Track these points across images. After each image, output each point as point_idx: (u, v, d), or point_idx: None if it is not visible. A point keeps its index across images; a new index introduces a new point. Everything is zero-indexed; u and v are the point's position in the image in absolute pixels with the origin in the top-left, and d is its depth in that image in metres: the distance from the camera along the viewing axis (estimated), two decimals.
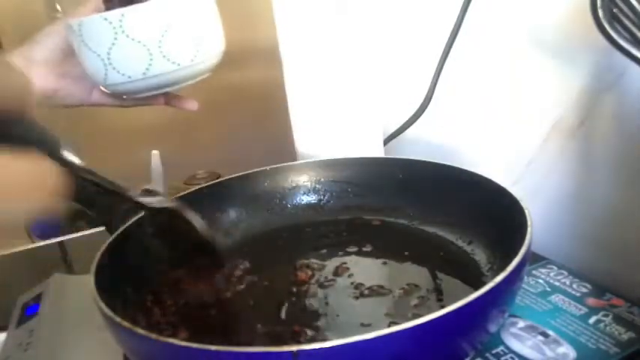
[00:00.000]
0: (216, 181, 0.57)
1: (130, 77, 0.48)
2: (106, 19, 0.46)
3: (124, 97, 0.55)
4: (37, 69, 0.52)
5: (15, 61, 0.52)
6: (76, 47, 0.49)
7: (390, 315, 0.39)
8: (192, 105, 0.60)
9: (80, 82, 0.54)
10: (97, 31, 0.47)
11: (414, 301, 0.41)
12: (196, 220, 0.41)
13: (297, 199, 0.58)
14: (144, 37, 0.47)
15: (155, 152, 0.74)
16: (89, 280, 0.37)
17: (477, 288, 0.30)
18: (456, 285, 0.43)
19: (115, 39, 0.47)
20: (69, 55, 0.52)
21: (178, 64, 0.49)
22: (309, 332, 0.38)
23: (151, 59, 0.48)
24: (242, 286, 0.45)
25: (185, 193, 0.54)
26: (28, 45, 0.53)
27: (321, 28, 0.57)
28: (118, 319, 0.32)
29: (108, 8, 0.50)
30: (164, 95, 0.56)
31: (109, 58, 0.48)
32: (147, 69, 0.48)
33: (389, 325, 0.28)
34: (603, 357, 0.37)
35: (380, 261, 0.47)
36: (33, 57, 0.52)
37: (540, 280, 0.46)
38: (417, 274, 0.45)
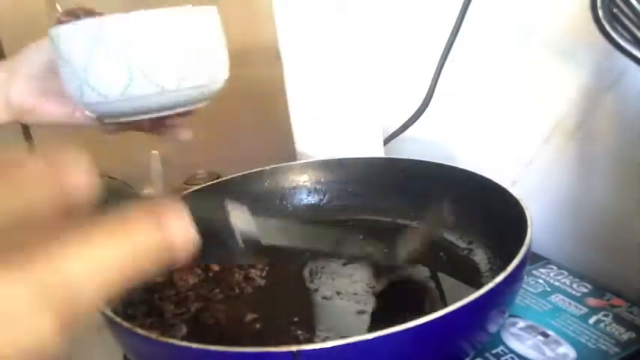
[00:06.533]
0: (216, 181, 0.57)
1: (106, 97, 0.41)
2: (81, 28, 0.40)
3: (105, 120, 0.46)
4: (18, 83, 0.48)
5: None
6: (56, 61, 0.43)
7: (390, 315, 0.39)
8: (186, 135, 0.52)
9: (61, 100, 0.48)
10: (73, 43, 0.40)
11: (414, 302, 0.41)
12: None
13: (297, 199, 0.58)
14: (123, 52, 0.40)
15: (155, 152, 0.74)
16: None
17: (476, 288, 0.30)
18: (456, 285, 0.43)
19: (92, 52, 0.40)
20: (53, 70, 0.46)
21: (162, 87, 0.41)
22: (310, 332, 0.38)
23: (131, 78, 0.40)
24: (241, 287, 0.45)
25: (185, 193, 0.54)
26: (14, 57, 0.50)
27: (321, 28, 0.57)
28: (118, 319, 0.32)
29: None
30: (152, 121, 0.48)
31: (85, 74, 0.41)
32: (125, 89, 0.41)
33: (389, 326, 0.28)
34: (603, 357, 0.37)
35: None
36: (16, 70, 0.49)
37: (540, 280, 0.46)
38: (417, 274, 0.45)
